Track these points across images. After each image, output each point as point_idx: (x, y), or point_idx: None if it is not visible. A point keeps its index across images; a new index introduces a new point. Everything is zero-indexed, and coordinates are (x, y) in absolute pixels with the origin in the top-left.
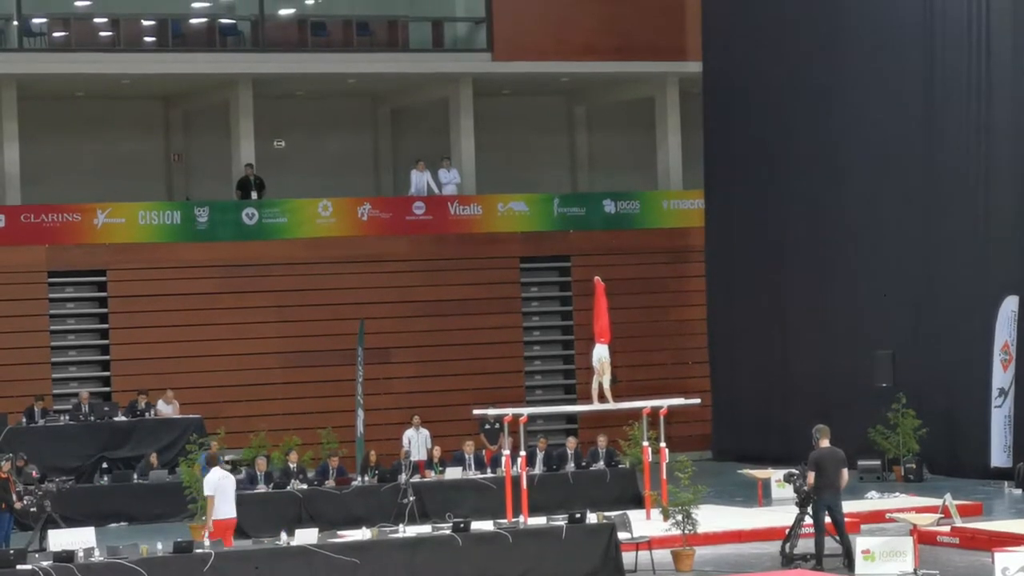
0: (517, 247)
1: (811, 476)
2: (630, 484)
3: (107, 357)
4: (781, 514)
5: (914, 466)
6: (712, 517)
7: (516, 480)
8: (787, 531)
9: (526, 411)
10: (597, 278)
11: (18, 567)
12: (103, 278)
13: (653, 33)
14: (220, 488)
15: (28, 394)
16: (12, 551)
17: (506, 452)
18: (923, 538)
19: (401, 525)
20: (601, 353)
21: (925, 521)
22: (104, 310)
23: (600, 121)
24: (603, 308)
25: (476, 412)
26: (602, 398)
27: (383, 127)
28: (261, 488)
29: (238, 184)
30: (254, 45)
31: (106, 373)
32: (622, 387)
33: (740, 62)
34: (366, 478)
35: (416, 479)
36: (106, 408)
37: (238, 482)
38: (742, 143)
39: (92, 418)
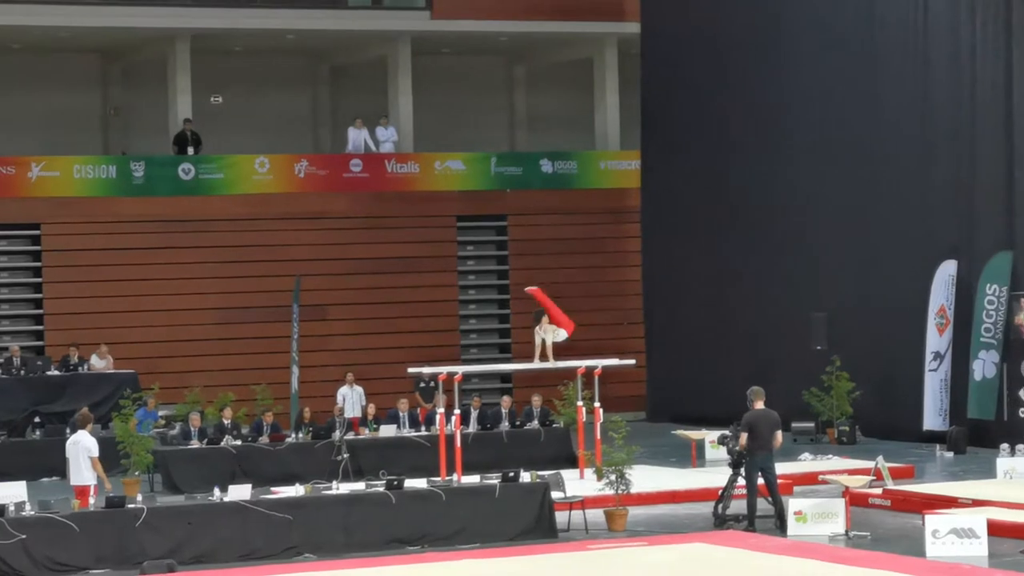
0: (454, 206)
1: (743, 437)
2: (564, 444)
3: (40, 311)
4: (715, 475)
5: (847, 428)
6: (646, 477)
7: (450, 438)
8: (720, 492)
9: (461, 369)
10: (527, 288)
11: None
12: (37, 232)
13: None
14: (71, 454)
15: None
16: None
17: (440, 410)
18: (855, 500)
19: (335, 482)
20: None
21: (857, 483)
22: (38, 264)
23: (539, 81)
24: (552, 308)
25: (411, 370)
26: (543, 357)
27: (322, 84)
28: (195, 444)
29: (175, 139)
30: None
31: (39, 327)
32: (558, 347)
33: (678, 23)
34: (300, 435)
35: (350, 436)
36: (39, 362)
37: (171, 438)
38: (679, 104)
39: (24, 372)
